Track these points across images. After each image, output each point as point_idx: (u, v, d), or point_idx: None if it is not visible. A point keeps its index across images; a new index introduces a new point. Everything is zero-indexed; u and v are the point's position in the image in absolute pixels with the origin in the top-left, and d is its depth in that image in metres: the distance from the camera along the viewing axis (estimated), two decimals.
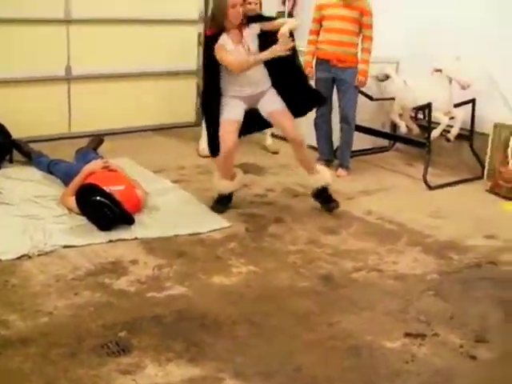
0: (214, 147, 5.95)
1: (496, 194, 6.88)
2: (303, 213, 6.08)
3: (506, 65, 7.03)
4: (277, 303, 4.43)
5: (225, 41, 5.69)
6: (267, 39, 5.67)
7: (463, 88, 7.06)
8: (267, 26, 5.76)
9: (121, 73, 8.38)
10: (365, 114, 7.57)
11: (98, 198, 5.27)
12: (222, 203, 6.04)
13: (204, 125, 7.52)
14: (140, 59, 8.47)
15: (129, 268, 4.79)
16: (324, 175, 6.08)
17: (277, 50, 5.43)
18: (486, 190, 6.99)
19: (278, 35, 5.48)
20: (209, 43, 5.76)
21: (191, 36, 8.91)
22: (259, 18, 5.94)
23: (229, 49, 5.66)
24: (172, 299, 4.41)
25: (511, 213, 6.45)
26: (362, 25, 6.95)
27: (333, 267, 4.96)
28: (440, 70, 7.17)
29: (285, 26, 5.56)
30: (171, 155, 7.60)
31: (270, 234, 5.56)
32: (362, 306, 4.41)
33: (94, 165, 5.97)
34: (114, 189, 5.56)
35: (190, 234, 5.43)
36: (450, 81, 7.15)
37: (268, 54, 5.50)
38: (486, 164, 7.26)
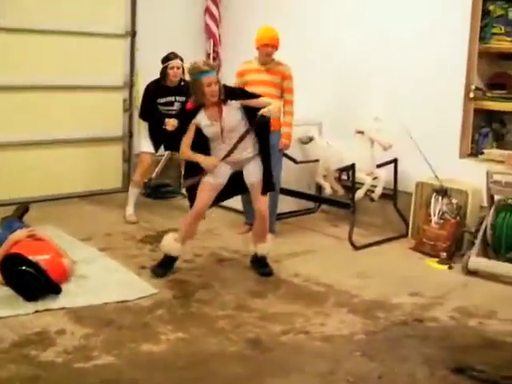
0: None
1: (420, 251, 7.01)
2: (230, 277, 6.10)
3: (424, 124, 7.23)
4: (206, 369, 4.41)
5: (201, 117, 5.86)
6: (252, 110, 5.88)
7: (384, 149, 7.25)
8: (251, 103, 5.91)
9: (47, 139, 8.36)
10: (289, 176, 7.66)
11: (23, 267, 5.21)
12: (165, 266, 6.11)
13: (131, 192, 7.64)
14: (66, 126, 8.47)
15: (56, 339, 4.72)
16: (269, 244, 6.28)
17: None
18: (411, 248, 7.12)
19: (259, 113, 5.76)
20: (187, 116, 5.94)
21: (117, 102, 8.96)
22: (241, 94, 6.06)
23: (203, 124, 5.85)
24: (100, 369, 4.35)
25: (435, 270, 6.57)
26: (284, 89, 7.07)
27: (261, 331, 4.96)
28: (362, 132, 7.33)
29: (268, 108, 5.78)
30: (98, 222, 7.57)
31: (198, 300, 5.54)
32: (291, 368, 4.42)
33: (19, 234, 5.90)
34: (40, 258, 5.48)
35: (117, 302, 5.38)
36: (372, 142, 7.32)
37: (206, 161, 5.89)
38: (410, 222, 7.40)
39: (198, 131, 5.91)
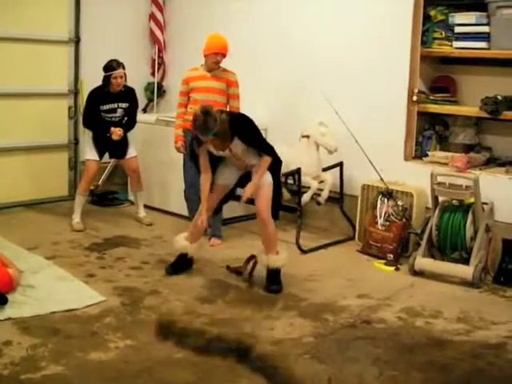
0: None
1: (367, 253, 7.08)
2: (178, 284, 6.09)
3: (369, 128, 7.31)
4: (154, 377, 4.39)
5: (208, 146, 5.88)
6: None
7: (330, 153, 7.31)
8: (255, 180, 6.00)
9: None
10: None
11: None
12: (176, 265, 6.34)
13: (77, 199, 7.58)
14: (10, 133, 8.38)
15: (2, 350, 4.65)
16: (282, 257, 6.10)
17: None
18: (358, 251, 7.19)
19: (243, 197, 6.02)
20: (195, 142, 5.97)
21: (62, 109, 8.88)
22: (250, 139, 5.94)
23: (211, 150, 5.92)
24: (48, 379, 4.30)
25: (382, 271, 6.64)
26: (229, 96, 7.10)
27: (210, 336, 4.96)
28: (307, 136, 7.39)
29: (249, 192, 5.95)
30: (44, 231, 7.49)
31: (146, 307, 5.52)
32: (240, 373, 4.42)
33: None
34: None
35: (65, 311, 5.33)
36: (318, 146, 7.37)
37: None
38: (357, 225, 7.47)
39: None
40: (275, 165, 6.04)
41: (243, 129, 5.86)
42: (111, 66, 7.52)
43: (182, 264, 6.37)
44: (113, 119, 7.66)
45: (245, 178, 6.16)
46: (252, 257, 6.21)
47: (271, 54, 8.30)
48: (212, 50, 7.02)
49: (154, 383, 4.33)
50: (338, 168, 7.52)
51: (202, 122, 5.58)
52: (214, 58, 7.03)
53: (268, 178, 5.99)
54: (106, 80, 7.56)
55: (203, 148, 5.92)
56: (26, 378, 4.31)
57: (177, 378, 4.37)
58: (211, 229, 7.14)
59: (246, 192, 5.93)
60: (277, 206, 6.16)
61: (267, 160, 5.93)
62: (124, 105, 7.67)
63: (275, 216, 6.10)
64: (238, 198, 6.29)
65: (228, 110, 7.06)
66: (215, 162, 6.12)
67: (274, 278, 6.04)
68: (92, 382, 4.32)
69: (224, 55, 7.07)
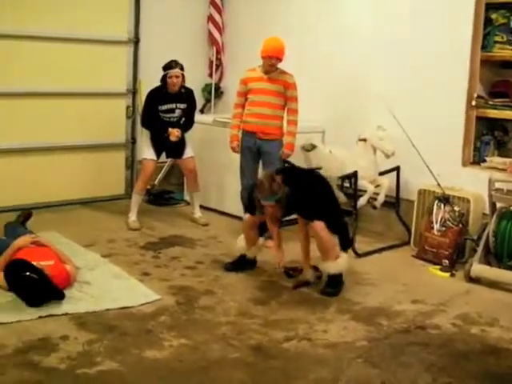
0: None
1: (422, 259, 7.02)
2: (233, 284, 6.11)
3: (427, 132, 7.25)
4: (209, 376, 4.42)
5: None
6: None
7: (387, 157, 7.27)
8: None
9: (49, 146, 8.37)
10: None
11: (27, 273, 5.23)
12: (235, 264, 6.49)
13: (134, 198, 7.65)
14: (69, 132, 8.48)
15: (59, 344, 4.73)
16: (340, 263, 5.99)
17: None
18: (413, 256, 7.13)
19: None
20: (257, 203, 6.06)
21: (120, 109, 8.98)
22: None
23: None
24: (103, 375, 4.36)
25: (437, 277, 6.58)
26: (287, 98, 7.10)
27: (263, 338, 4.97)
28: (364, 140, 7.36)
29: None
30: (101, 229, 7.58)
31: (201, 306, 5.55)
32: (294, 375, 4.43)
33: (23, 240, 5.91)
34: (44, 264, 5.50)
35: (120, 308, 5.40)
36: (375, 149, 7.34)
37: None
38: (412, 230, 7.41)
39: None
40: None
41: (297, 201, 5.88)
42: (169, 65, 7.59)
43: (240, 263, 6.47)
44: (171, 119, 7.72)
45: None
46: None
47: (329, 56, 8.28)
48: (267, 53, 7.03)
49: (208, 382, 4.35)
50: (394, 172, 7.47)
51: (267, 186, 5.71)
52: (269, 61, 7.05)
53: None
54: (164, 79, 7.63)
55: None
56: (82, 372, 4.38)
57: (230, 378, 4.39)
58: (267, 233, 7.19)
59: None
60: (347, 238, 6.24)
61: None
62: (182, 105, 7.73)
63: (349, 245, 6.38)
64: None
65: (286, 112, 7.10)
66: None
67: (332, 282, 6.00)
68: (146, 379, 4.36)
69: (279, 59, 7.06)
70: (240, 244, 6.46)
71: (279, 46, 7.08)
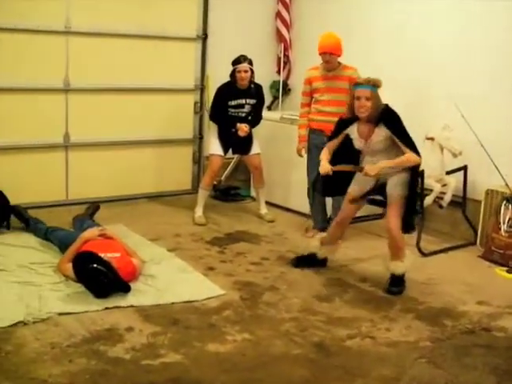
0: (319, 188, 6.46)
1: (489, 260, 6.93)
2: (297, 280, 6.12)
3: (495, 132, 7.15)
4: (271, 371, 4.45)
5: (353, 130, 5.94)
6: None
7: (454, 156, 7.20)
8: (389, 163, 5.85)
9: (118, 140, 8.49)
10: None
11: (95, 265, 5.32)
12: (302, 260, 6.48)
13: (200, 193, 7.70)
14: (137, 127, 8.60)
15: (124, 335, 4.82)
16: (405, 264, 5.99)
17: None
18: (479, 256, 7.04)
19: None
20: (341, 124, 6.06)
21: (188, 104, 9.06)
22: (397, 129, 5.88)
23: (353, 136, 5.96)
24: (167, 367, 4.43)
25: (504, 279, 6.50)
26: None
27: (326, 335, 4.98)
28: (432, 138, 7.29)
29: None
30: (167, 223, 7.66)
31: (265, 302, 5.58)
32: (356, 373, 4.43)
33: (91, 232, 6.03)
34: (110, 256, 5.61)
35: (184, 302, 5.46)
36: (442, 148, 7.27)
37: None
38: (479, 230, 7.33)
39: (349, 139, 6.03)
40: (414, 173, 5.99)
41: (391, 118, 5.84)
42: (237, 60, 7.66)
43: (308, 261, 6.43)
44: (239, 115, 7.77)
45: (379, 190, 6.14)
46: None
47: (394, 53, 8.20)
48: (322, 50, 7.02)
49: (270, 377, 4.38)
50: (461, 172, 7.40)
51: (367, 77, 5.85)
52: (324, 58, 7.03)
53: (401, 190, 5.91)
54: (233, 74, 7.69)
55: (345, 132, 5.98)
56: (146, 363, 4.45)
57: (292, 374, 4.41)
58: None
59: (368, 170, 5.84)
60: (410, 220, 6.07)
61: (410, 156, 5.80)
62: (252, 101, 7.78)
63: (407, 230, 6.06)
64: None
65: None
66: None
67: (396, 281, 5.98)
68: (209, 372, 4.40)
69: (333, 54, 7.01)
70: (313, 242, 6.45)
71: (333, 42, 7.03)
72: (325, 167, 5.95)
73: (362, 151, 6.03)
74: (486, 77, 7.34)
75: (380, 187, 6.06)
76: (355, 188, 6.13)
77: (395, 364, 4.60)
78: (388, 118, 5.82)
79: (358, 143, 5.97)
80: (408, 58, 8.09)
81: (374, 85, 5.76)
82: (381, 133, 5.83)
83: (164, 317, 5.18)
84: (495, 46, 7.27)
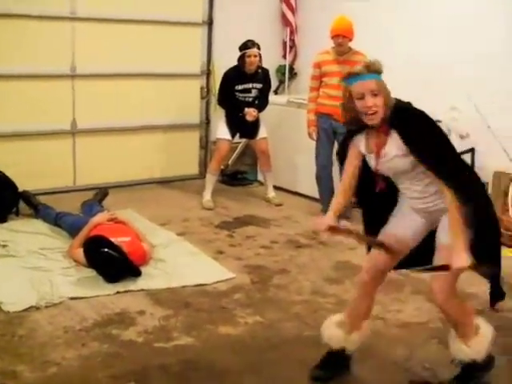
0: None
1: None
2: (307, 263, 6.14)
3: (503, 114, 7.14)
4: (283, 353, 4.49)
5: (360, 140, 3.94)
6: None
7: (461, 137, 7.19)
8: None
9: (125, 126, 8.51)
10: None
11: (105, 249, 5.35)
12: (327, 366, 4.22)
13: (208, 178, 7.67)
14: (144, 113, 8.61)
15: (136, 319, 4.86)
16: (477, 348, 4.01)
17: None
18: None
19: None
20: (347, 140, 4.03)
21: (194, 90, 9.08)
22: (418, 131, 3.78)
23: (363, 151, 3.94)
24: (180, 349, 4.48)
25: None
26: None
27: None
28: (438, 121, 7.27)
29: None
30: (175, 208, 7.69)
31: (275, 285, 5.62)
32: (367, 354, 4.43)
33: (101, 217, 6.06)
34: (121, 240, 5.64)
35: (195, 285, 5.50)
36: (449, 131, 7.26)
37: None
38: None
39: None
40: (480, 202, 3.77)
41: (406, 121, 3.80)
42: (246, 45, 7.65)
43: (333, 363, 4.23)
44: (246, 99, 7.78)
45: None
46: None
47: (401, 35, 8.12)
48: (335, 32, 7.07)
49: (281, 359, 4.41)
50: (469, 154, 7.39)
51: (363, 63, 3.84)
52: (337, 40, 7.08)
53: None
54: (241, 59, 7.69)
55: (353, 144, 3.96)
56: (159, 346, 4.50)
57: (304, 355, 4.43)
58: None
59: (456, 262, 3.62)
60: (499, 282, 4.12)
61: (454, 207, 3.61)
62: (258, 85, 7.79)
63: (494, 300, 4.22)
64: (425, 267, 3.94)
65: None
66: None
67: (464, 373, 4.10)
68: (221, 354, 4.45)
69: (346, 37, 7.07)
70: (331, 332, 4.21)
71: (346, 25, 7.09)
72: (319, 223, 3.99)
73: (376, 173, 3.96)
74: (494, 57, 7.31)
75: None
76: (395, 232, 4.01)
77: (406, 345, 4.63)
78: (401, 121, 3.78)
79: (370, 161, 3.93)
80: (415, 41, 8.03)
81: (377, 71, 3.80)
82: (396, 144, 3.77)
83: (175, 300, 5.21)
84: (506, 28, 7.26)
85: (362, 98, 3.70)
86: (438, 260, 3.80)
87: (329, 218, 3.92)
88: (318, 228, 4.00)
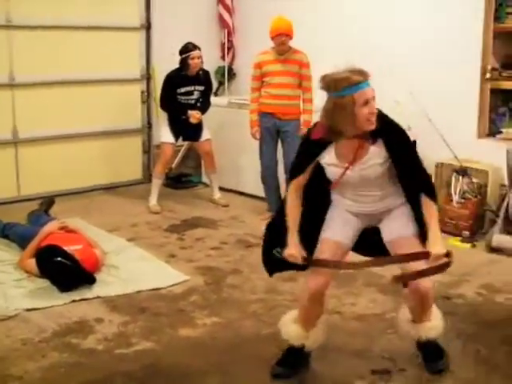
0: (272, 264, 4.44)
1: (443, 231, 6.99)
2: (258, 262, 6.06)
3: (442, 106, 7.29)
4: (244, 352, 4.52)
5: (329, 155, 3.91)
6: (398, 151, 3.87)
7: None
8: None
9: (67, 134, 8.43)
10: None
11: (58, 258, 5.32)
12: (287, 363, 4.27)
13: (154, 182, 7.67)
14: (85, 119, 8.55)
15: (94, 327, 4.84)
16: (437, 323, 4.29)
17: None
18: None
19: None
20: (310, 149, 3.96)
21: (135, 94, 9.05)
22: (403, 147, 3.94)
23: (328, 162, 3.92)
24: (141, 354, 4.47)
25: (459, 248, 6.63)
26: (302, 77, 7.17)
27: None
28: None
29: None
30: (122, 213, 7.67)
31: (229, 285, 5.65)
32: (327, 348, 4.47)
33: (52, 226, 6.01)
34: (73, 248, 5.60)
35: (150, 290, 5.50)
36: None
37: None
38: None
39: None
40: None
41: (395, 133, 3.89)
42: (188, 48, 7.66)
43: (293, 359, 4.30)
44: (189, 101, 7.79)
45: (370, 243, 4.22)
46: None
47: (341, 31, 8.21)
48: (276, 32, 7.11)
49: (243, 358, 4.45)
50: None
51: (351, 70, 3.88)
52: (279, 40, 7.12)
53: (412, 228, 4.06)
54: (184, 62, 7.69)
55: (317, 159, 3.96)
56: (120, 352, 4.49)
57: (264, 353, 4.46)
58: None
59: (437, 249, 3.87)
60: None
61: (430, 205, 3.90)
62: (200, 87, 7.82)
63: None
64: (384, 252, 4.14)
65: (302, 90, 7.15)
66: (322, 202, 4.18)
67: (432, 350, 4.33)
68: (182, 357, 4.46)
69: (288, 36, 7.14)
70: (289, 329, 4.29)
71: (287, 24, 7.16)
72: (293, 258, 3.97)
73: (333, 183, 4.01)
74: (432, 52, 7.47)
75: (372, 231, 4.19)
76: (335, 238, 4.08)
77: (364, 336, 4.71)
78: (391, 132, 3.86)
79: (334, 172, 3.93)
80: (358, 32, 8.10)
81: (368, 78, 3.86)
82: (379, 153, 3.86)
83: (132, 306, 5.21)
84: (438, 20, 7.41)
85: (366, 104, 3.73)
86: (405, 250, 3.94)
87: (296, 248, 3.96)
88: (293, 261, 3.99)
